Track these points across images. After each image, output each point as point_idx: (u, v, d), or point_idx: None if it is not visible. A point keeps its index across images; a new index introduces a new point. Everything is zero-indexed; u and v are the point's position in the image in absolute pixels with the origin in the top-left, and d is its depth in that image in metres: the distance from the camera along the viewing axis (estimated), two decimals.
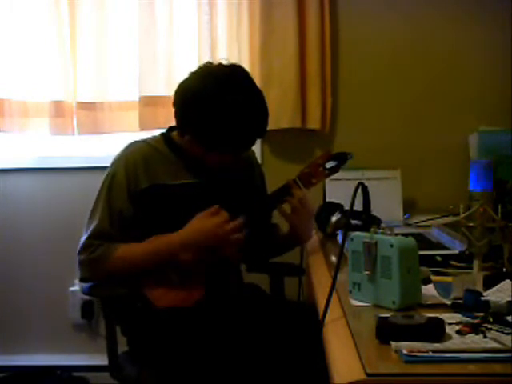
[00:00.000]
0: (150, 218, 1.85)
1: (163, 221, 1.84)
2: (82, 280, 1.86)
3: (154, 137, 1.97)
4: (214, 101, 1.76)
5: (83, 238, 1.83)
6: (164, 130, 2.01)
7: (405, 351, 1.04)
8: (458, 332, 1.13)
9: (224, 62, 1.85)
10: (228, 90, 1.77)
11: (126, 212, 1.83)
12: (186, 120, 1.84)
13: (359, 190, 1.49)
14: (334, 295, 1.36)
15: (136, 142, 1.92)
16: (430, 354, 1.04)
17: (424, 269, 1.45)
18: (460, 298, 1.30)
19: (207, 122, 1.79)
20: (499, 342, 1.08)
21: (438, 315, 1.19)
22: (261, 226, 2.01)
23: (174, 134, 1.93)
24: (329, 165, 1.94)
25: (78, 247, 1.83)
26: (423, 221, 2.32)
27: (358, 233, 1.39)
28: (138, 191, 1.83)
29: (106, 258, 1.79)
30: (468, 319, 1.20)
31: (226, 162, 1.88)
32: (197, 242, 1.81)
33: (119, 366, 1.86)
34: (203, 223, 1.81)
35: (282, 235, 2.08)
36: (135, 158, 1.86)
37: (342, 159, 1.95)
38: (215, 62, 1.87)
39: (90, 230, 1.82)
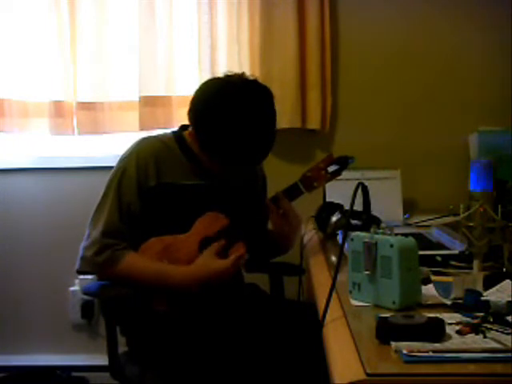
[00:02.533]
0: (155, 215, 1.84)
1: (168, 220, 1.84)
2: (79, 272, 1.84)
3: (166, 134, 1.96)
4: (223, 113, 1.75)
5: (94, 233, 1.80)
6: (167, 130, 2.00)
7: (405, 351, 1.04)
8: (457, 332, 1.13)
9: (246, 75, 1.82)
10: (239, 105, 1.75)
11: (133, 207, 1.82)
12: (195, 125, 1.83)
13: (359, 190, 1.49)
14: (334, 295, 1.36)
15: (148, 137, 1.92)
16: (430, 354, 1.04)
17: (424, 269, 1.46)
18: (460, 298, 1.30)
19: (212, 132, 1.78)
20: (499, 342, 1.08)
21: (438, 315, 1.19)
22: (260, 229, 2.01)
23: (186, 133, 1.92)
24: (331, 168, 1.94)
25: (85, 241, 1.81)
26: (423, 221, 2.32)
27: (357, 233, 1.39)
28: (147, 188, 1.83)
29: (109, 265, 1.78)
30: (468, 319, 1.20)
31: (228, 170, 1.87)
32: (203, 279, 1.79)
33: (119, 365, 1.85)
34: (209, 265, 1.79)
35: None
36: (146, 154, 1.85)
37: (343, 163, 1.95)
38: (238, 72, 1.84)
39: (100, 224, 1.80)
